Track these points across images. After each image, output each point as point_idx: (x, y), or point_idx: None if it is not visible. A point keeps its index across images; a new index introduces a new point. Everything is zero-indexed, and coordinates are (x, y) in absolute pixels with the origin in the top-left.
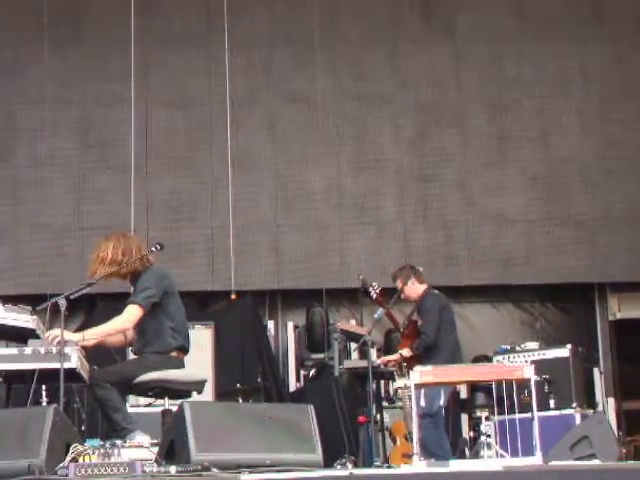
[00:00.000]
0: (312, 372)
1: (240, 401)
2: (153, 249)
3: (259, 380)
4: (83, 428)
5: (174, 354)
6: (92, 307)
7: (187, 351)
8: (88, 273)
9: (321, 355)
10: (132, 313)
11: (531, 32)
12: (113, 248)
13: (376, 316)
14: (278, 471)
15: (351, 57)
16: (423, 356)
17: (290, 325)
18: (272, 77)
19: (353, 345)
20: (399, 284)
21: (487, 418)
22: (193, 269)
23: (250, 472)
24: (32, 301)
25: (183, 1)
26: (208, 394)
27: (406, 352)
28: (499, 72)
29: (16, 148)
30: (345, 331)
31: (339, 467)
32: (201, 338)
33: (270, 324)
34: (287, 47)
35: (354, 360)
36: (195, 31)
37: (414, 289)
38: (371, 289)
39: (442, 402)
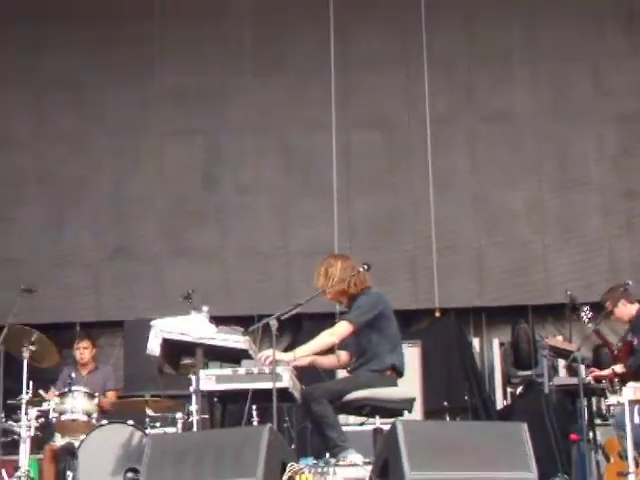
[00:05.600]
0: (519, 389)
1: (447, 419)
2: (361, 269)
3: (466, 398)
4: (293, 447)
5: (388, 372)
6: (298, 327)
7: (401, 373)
8: (318, 286)
9: (528, 372)
10: (340, 328)
11: None
12: (342, 266)
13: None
14: None
15: (551, 73)
16: (638, 375)
17: (495, 342)
18: (471, 95)
19: (560, 361)
20: (609, 306)
21: None
22: (397, 288)
23: None
24: (240, 322)
25: (381, 21)
26: (416, 412)
27: (619, 368)
28: None
29: (222, 175)
30: (554, 347)
31: None
32: (408, 356)
33: (475, 341)
34: (486, 65)
35: (563, 377)
36: (394, 51)
37: (625, 310)
38: (583, 314)
39: None
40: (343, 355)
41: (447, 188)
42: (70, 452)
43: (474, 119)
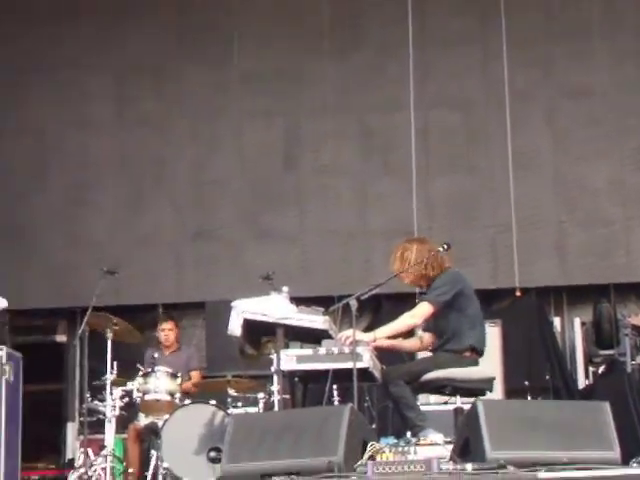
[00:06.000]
0: (601, 369)
1: (529, 399)
2: (441, 249)
3: (547, 377)
4: (374, 426)
5: (467, 354)
6: (378, 308)
7: (481, 353)
8: (393, 270)
9: (610, 351)
10: (421, 309)
11: None
12: (417, 249)
13: None
14: (576, 469)
15: (631, 47)
16: None
17: (577, 321)
18: (550, 72)
19: None
20: None
21: None
22: (477, 268)
23: (547, 470)
24: (320, 303)
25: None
26: (497, 392)
27: None
28: None
29: (301, 157)
30: (636, 326)
31: (636, 465)
32: (488, 336)
33: (556, 321)
34: (565, 40)
35: None
36: (472, 29)
37: None
38: None
39: None
40: (427, 337)
41: (527, 166)
42: (154, 431)
43: (553, 95)
